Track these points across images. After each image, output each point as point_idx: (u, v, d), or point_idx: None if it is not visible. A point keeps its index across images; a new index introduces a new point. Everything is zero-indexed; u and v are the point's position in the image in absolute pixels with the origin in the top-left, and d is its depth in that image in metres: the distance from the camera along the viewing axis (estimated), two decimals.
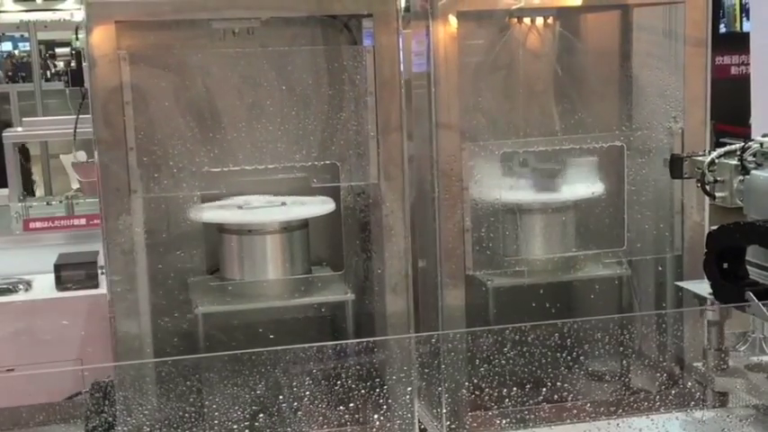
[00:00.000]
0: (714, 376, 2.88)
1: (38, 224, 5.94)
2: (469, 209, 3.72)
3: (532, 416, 3.04)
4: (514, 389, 2.80)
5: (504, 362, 2.78)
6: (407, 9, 3.79)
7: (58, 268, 5.28)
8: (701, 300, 2.94)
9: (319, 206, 3.71)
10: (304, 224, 3.71)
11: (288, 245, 3.68)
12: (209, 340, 3.52)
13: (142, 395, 3.05)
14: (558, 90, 4.11)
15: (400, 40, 3.59)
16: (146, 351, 3.47)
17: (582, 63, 4.13)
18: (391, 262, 3.64)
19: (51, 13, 10.23)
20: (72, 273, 5.29)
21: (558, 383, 3.04)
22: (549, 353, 2.90)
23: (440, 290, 3.70)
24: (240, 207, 3.65)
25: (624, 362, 3.90)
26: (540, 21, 4.00)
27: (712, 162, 2.87)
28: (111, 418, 3.06)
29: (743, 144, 2.79)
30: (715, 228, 2.81)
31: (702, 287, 2.91)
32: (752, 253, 2.71)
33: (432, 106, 3.65)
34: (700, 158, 2.94)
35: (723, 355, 2.96)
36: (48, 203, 6.34)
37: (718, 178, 2.84)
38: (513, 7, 3.81)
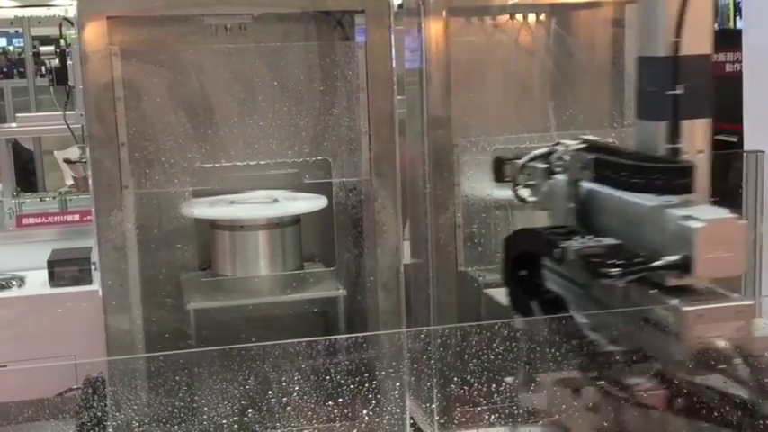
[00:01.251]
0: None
1: (31, 220, 5.94)
2: (461, 205, 3.73)
3: (522, 411, 3.04)
4: (504, 384, 2.81)
5: (493, 357, 2.78)
6: (400, 5, 3.80)
7: (51, 264, 5.28)
8: (503, 308, 2.90)
9: (311, 202, 3.72)
10: (296, 220, 3.72)
11: (280, 241, 3.69)
12: (200, 336, 3.52)
13: (134, 390, 3.05)
14: (550, 86, 4.12)
15: (392, 36, 3.59)
16: (137, 346, 3.48)
17: (574, 59, 4.14)
18: (383, 258, 3.65)
19: (45, 9, 10.22)
20: (65, 269, 5.29)
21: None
22: (539, 348, 2.91)
23: (431, 286, 3.71)
24: (232, 203, 3.66)
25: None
26: (532, 17, 4.01)
27: (524, 165, 2.80)
28: (102, 413, 3.06)
29: (550, 148, 2.75)
30: (511, 233, 2.79)
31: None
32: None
33: (424, 102, 3.66)
34: (518, 162, 2.88)
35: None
36: (41, 199, 6.33)
37: (530, 182, 2.79)
38: (507, 3, 3.82)
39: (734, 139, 8.09)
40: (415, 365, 3.07)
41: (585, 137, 2.83)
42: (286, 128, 3.72)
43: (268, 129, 3.70)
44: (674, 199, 2.40)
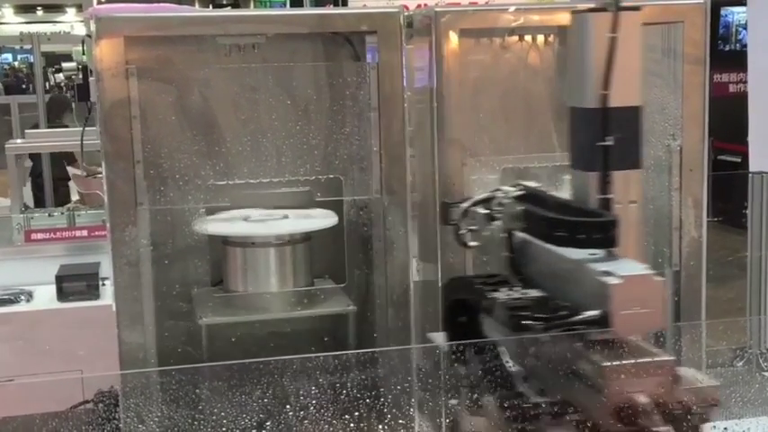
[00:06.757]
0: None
1: (39, 235, 5.99)
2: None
3: (534, 427, 3.07)
4: (516, 400, 2.83)
5: (505, 373, 2.81)
6: (410, 25, 3.84)
7: (59, 279, 5.32)
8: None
9: (322, 219, 3.75)
10: (307, 237, 3.75)
11: (291, 258, 3.72)
12: (212, 351, 3.55)
13: (146, 404, 3.08)
14: (557, 107, 4.15)
15: (404, 57, 3.64)
16: (150, 361, 3.51)
17: None
18: (393, 275, 3.68)
19: (52, 26, 10.31)
20: (73, 284, 5.34)
21: (559, 395, 3.07)
22: (550, 364, 2.93)
23: (441, 303, 3.73)
24: (244, 220, 3.70)
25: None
26: (540, 38, 4.05)
27: (467, 210, 2.82)
28: (118, 425, 3.09)
29: (491, 193, 2.77)
30: (448, 280, 2.80)
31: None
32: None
33: (434, 121, 3.70)
34: (463, 206, 2.90)
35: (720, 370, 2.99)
36: (49, 215, 6.38)
37: (472, 228, 2.80)
38: (513, 25, 3.86)
39: (738, 160, 8.13)
40: (427, 381, 3.10)
41: (526, 183, 2.83)
42: (298, 146, 3.76)
43: (280, 147, 3.75)
44: (599, 252, 2.39)
